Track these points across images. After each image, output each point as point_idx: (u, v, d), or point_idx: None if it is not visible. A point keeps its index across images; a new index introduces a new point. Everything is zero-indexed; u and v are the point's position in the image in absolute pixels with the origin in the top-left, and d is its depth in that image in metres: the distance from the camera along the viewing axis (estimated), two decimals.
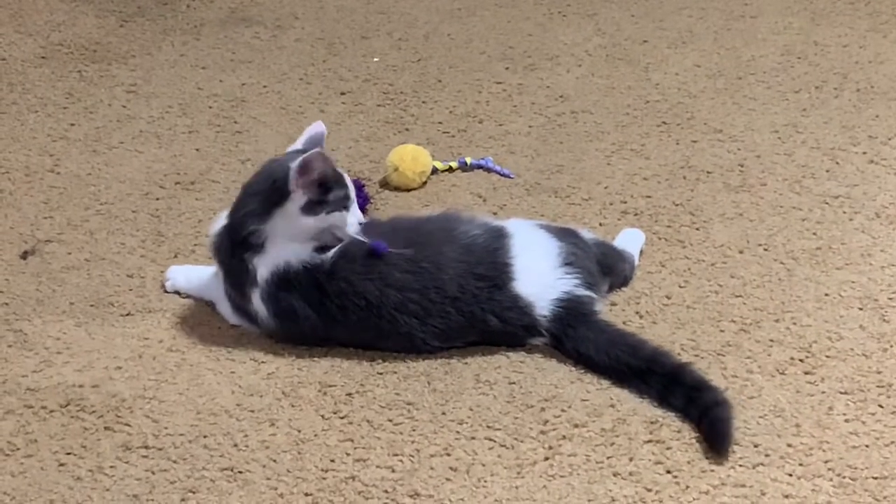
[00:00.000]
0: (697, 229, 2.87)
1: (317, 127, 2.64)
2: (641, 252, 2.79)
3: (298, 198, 2.48)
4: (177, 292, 2.73)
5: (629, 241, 2.79)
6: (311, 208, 2.49)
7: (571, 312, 2.50)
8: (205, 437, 2.33)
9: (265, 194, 2.52)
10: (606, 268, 2.64)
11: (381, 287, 2.47)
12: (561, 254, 2.54)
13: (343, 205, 2.52)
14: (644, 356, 2.43)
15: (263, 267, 2.50)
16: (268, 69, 3.72)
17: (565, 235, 2.61)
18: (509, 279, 2.50)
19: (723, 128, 3.32)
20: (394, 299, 2.47)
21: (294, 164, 2.47)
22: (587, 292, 2.53)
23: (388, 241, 2.50)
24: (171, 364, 2.53)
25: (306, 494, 2.20)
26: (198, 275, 2.73)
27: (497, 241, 2.54)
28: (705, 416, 2.30)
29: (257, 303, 2.52)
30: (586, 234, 2.68)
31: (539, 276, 2.51)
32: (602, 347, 2.46)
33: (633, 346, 2.46)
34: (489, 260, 2.51)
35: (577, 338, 2.48)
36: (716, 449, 2.25)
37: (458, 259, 2.50)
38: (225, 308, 2.63)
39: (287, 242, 2.50)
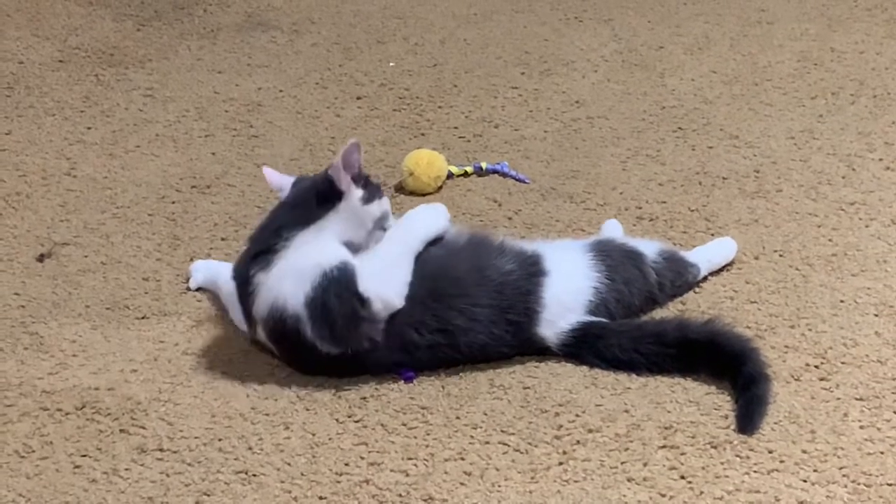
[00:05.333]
0: (713, 235, 2.87)
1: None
2: (732, 263, 2.75)
3: (354, 191, 2.48)
4: (199, 289, 2.75)
5: (717, 251, 2.75)
6: (367, 197, 2.48)
7: (582, 335, 2.48)
8: (219, 440, 2.34)
9: (311, 202, 2.49)
10: (671, 281, 2.62)
11: (412, 352, 2.44)
12: (592, 295, 2.51)
13: (381, 190, 2.55)
14: (673, 340, 2.45)
15: (267, 292, 2.43)
16: (284, 73, 3.72)
17: (619, 265, 2.55)
18: (534, 325, 2.48)
19: (739, 134, 3.31)
20: (425, 356, 2.45)
21: (335, 163, 2.46)
22: (599, 320, 2.51)
23: (415, 288, 2.44)
24: (186, 367, 2.53)
25: (320, 498, 2.20)
26: (217, 272, 2.72)
27: (530, 281, 2.48)
28: (744, 390, 2.34)
29: (262, 338, 2.51)
30: (654, 252, 2.61)
31: (560, 321, 2.48)
32: (628, 346, 2.45)
33: (656, 334, 2.47)
34: (522, 305, 2.46)
35: (596, 348, 2.47)
36: (740, 429, 2.29)
37: (489, 304, 2.45)
38: (237, 315, 2.63)
39: (332, 238, 2.45)
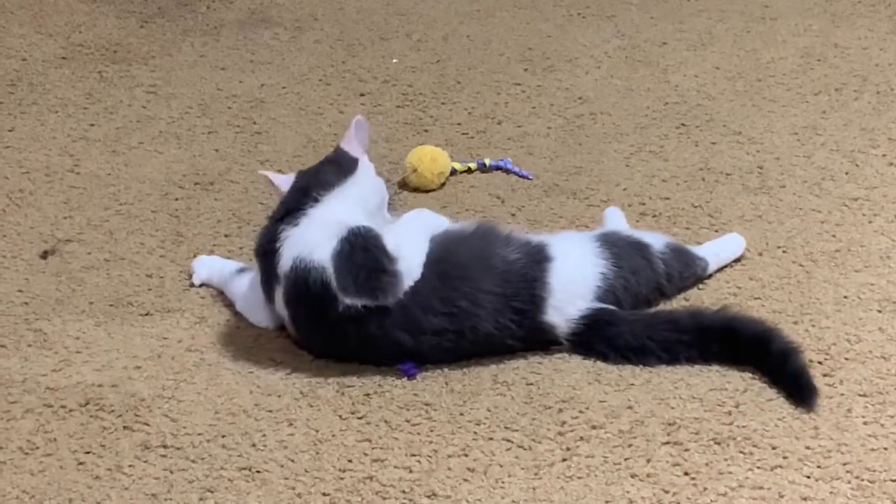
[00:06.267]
0: (716, 231, 2.87)
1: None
2: (741, 258, 2.75)
3: (367, 161, 2.61)
4: (202, 285, 2.75)
5: (725, 247, 2.76)
6: (377, 172, 2.63)
7: (593, 322, 2.48)
8: (223, 436, 2.34)
9: (331, 169, 2.59)
10: (679, 272, 2.62)
11: (416, 335, 2.45)
12: (600, 281, 2.50)
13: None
14: (687, 326, 2.45)
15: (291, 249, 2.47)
16: (287, 70, 3.72)
17: (626, 254, 2.55)
18: (541, 312, 2.48)
19: (742, 130, 3.31)
20: (430, 343, 2.45)
21: (346, 137, 2.64)
22: (610, 307, 2.51)
23: (423, 271, 2.46)
24: (189, 364, 2.54)
25: (324, 494, 2.20)
26: (221, 267, 2.73)
27: (536, 268, 2.48)
28: (781, 369, 2.36)
29: (280, 304, 2.52)
30: (660, 243, 2.62)
31: (569, 307, 2.47)
32: (641, 333, 2.46)
33: (672, 321, 2.48)
34: (527, 292, 2.46)
35: (607, 336, 2.47)
36: (804, 403, 2.32)
37: (494, 292, 2.45)
38: (244, 307, 2.64)
39: (343, 206, 2.52)
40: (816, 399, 2.32)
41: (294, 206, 2.52)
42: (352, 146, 2.64)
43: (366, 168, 2.62)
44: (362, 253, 2.42)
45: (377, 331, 2.43)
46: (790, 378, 2.36)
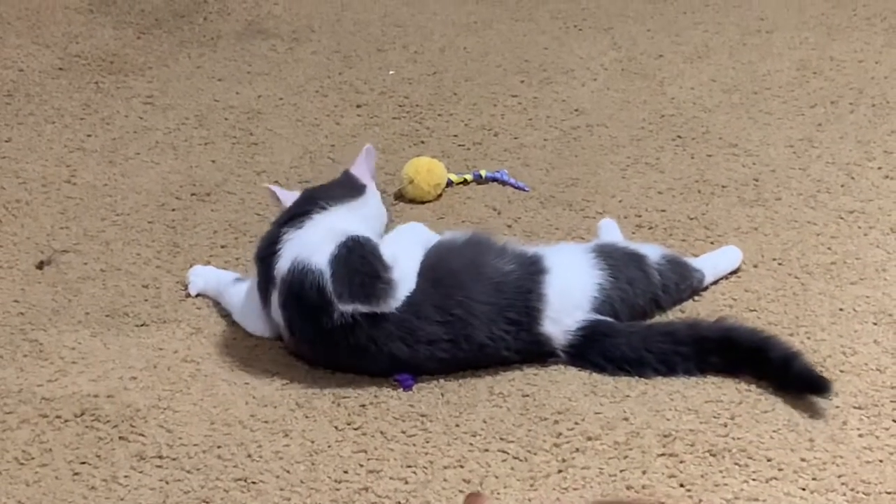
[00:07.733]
0: (712, 243, 2.87)
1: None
2: (738, 270, 2.76)
3: (375, 188, 2.68)
4: (198, 295, 2.75)
5: (722, 259, 2.76)
6: (382, 198, 2.71)
7: (589, 334, 2.49)
8: (219, 447, 2.34)
9: (341, 188, 2.65)
10: (676, 283, 2.62)
11: (411, 344, 2.45)
12: (596, 292, 2.51)
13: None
14: (685, 338, 2.46)
15: (290, 252, 2.48)
16: (284, 81, 3.73)
17: (622, 265, 2.55)
18: (537, 324, 2.48)
19: (738, 142, 3.32)
20: (425, 353, 2.45)
21: (356, 163, 2.71)
22: (607, 319, 2.51)
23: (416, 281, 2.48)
24: (185, 374, 2.54)
25: None
26: (217, 277, 2.74)
27: (531, 279, 2.49)
28: (786, 374, 2.38)
29: (275, 309, 2.52)
30: (657, 255, 2.62)
31: (566, 318, 2.48)
32: (638, 345, 2.46)
33: (669, 332, 2.48)
34: (521, 304, 2.46)
35: (604, 347, 2.47)
36: (821, 394, 2.35)
37: (487, 301, 2.46)
38: (241, 317, 2.64)
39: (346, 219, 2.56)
40: (832, 387, 2.34)
41: (300, 210, 2.56)
42: (360, 172, 2.69)
43: (374, 194, 2.67)
44: (359, 259, 2.44)
45: (369, 342, 2.43)
46: (798, 377, 2.37)
